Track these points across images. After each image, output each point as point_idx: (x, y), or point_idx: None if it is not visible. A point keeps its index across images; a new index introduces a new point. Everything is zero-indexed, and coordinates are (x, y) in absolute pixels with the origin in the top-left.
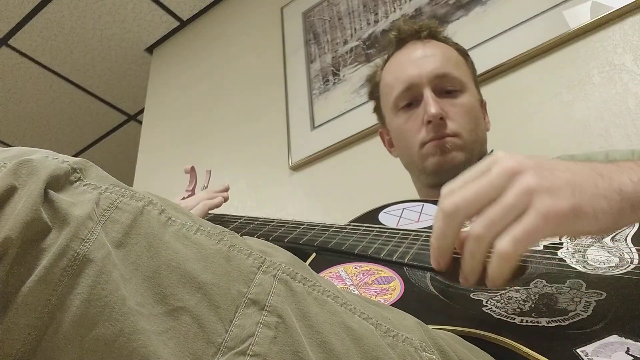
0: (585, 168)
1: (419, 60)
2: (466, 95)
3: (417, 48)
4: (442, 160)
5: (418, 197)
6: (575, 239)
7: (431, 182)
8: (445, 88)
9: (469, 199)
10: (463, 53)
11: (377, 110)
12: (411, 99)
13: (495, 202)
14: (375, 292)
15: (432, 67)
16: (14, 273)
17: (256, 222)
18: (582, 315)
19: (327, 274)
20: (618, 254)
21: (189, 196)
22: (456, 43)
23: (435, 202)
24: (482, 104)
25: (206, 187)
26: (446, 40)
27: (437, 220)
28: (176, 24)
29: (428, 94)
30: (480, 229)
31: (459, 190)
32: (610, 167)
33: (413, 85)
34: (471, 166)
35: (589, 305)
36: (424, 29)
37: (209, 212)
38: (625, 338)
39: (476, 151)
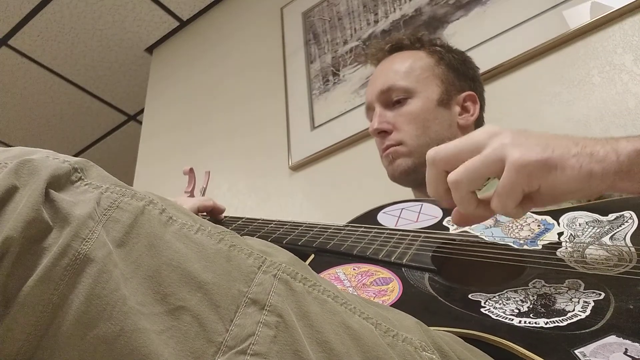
0: (560, 136)
1: (372, 81)
2: (414, 101)
3: (379, 67)
4: (391, 169)
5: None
6: (574, 235)
7: (403, 186)
8: (391, 99)
9: (449, 149)
10: (435, 52)
11: None
12: (373, 114)
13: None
14: (373, 293)
15: (379, 85)
16: (15, 272)
17: (255, 224)
18: (581, 315)
19: (325, 275)
20: (617, 253)
21: (188, 197)
22: (432, 44)
23: (433, 202)
24: (449, 101)
25: (205, 189)
26: (417, 46)
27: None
28: (176, 24)
29: (376, 110)
30: (455, 175)
31: (446, 144)
32: (586, 139)
33: (369, 104)
34: (425, 168)
35: (587, 305)
36: (385, 46)
37: (202, 213)
38: (624, 338)
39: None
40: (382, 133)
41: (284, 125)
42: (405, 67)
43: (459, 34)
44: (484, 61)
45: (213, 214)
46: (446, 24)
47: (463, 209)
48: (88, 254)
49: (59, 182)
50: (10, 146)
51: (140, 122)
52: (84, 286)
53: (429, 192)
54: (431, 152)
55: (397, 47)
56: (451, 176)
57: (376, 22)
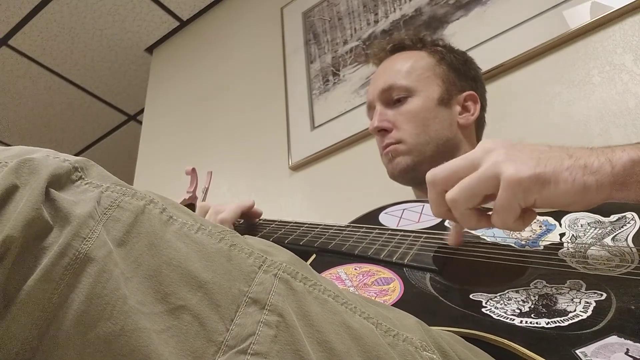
0: (554, 149)
1: (373, 80)
2: (414, 100)
3: (381, 66)
4: (390, 167)
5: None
6: (576, 236)
7: (403, 184)
8: (392, 98)
9: (446, 169)
10: (437, 52)
11: None
12: (374, 113)
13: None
14: (374, 293)
15: (380, 84)
16: (16, 272)
17: (256, 224)
18: (582, 315)
19: (327, 275)
20: (618, 254)
21: (189, 198)
22: (434, 45)
23: None
24: (449, 100)
25: (207, 189)
26: (419, 46)
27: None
28: (176, 24)
29: (377, 109)
30: (452, 194)
31: (443, 164)
32: (581, 150)
33: (370, 103)
34: (425, 166)
35: (589, 305)
36: (387, 46)
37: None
38: (625, 339)
39: (429, 151)
40: (382, 131)
41: (284, 125)
42: (407, 67)
43: (459, 34)
44: (484, 61)
45: (250, 217)
46: (446, 24)
47: (465, 225)
48: (88, 254)
49: (60, 181)
50: (10, 146)
51: (140, 122)
52: (85, 285)
53: (433, 213)
54: (430, 174)
55: (399, 47)
56: (448, 195)
57: (376, 22)
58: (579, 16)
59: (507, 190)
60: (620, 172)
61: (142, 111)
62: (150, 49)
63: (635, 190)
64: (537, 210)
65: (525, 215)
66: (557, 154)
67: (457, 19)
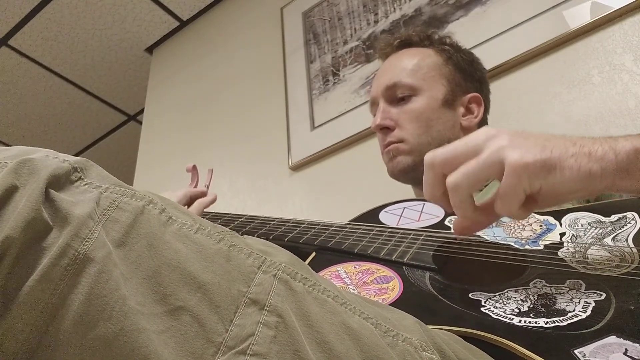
0: (558, 137)
1: (378, 76)
2: (417, 99)
3: (386, 62)
4: (391, 165)
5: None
6: (576, 236)
7: (403, 183)
8: (396, 96)
9: (447, 152)
10: (444, 51)
11: None
12: (376, 109)
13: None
14: (374, 291)
15: (384, 81)
16: (15, 272)
17: (256, 221)
18: (581, 315)
19: (326, 273)
20: (618, 254)
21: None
22: (442, 43)
23: None
24: (454, 101)
25: (208, 186)
26: (426, 43)
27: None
28: (176, 24)
29: (380, 106)
30: (454, 178)
31: (443, 146)
32: (585, 138)
33: (374, 99)
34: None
35: (588, 305)
36: (394, 42)
37: (205, 210)
38: (624, 339)
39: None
40: (384, 129)
41: (284, 125)
42: (413, 65)
43: (459, 34)
44: (484, 61)
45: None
46: (446, 24)
47: (461, 213)
48: (88, 254)
49: (59, 181)
50: (10, 146)
51: (140, 122)
52: (84, 286)
53: (426, 196)
54: (429, 155)
55: (406, 44)
56: (450, 179)
57: (376, 22)
58: (579, 16)
59: (512, 175)
60: (623, 160)
61: (142, 111)
62: (150, 49)
63: (638, 179)
64: (538, 211)
65: (528, 203)
66: (561, 141)
67: (457, 19)
